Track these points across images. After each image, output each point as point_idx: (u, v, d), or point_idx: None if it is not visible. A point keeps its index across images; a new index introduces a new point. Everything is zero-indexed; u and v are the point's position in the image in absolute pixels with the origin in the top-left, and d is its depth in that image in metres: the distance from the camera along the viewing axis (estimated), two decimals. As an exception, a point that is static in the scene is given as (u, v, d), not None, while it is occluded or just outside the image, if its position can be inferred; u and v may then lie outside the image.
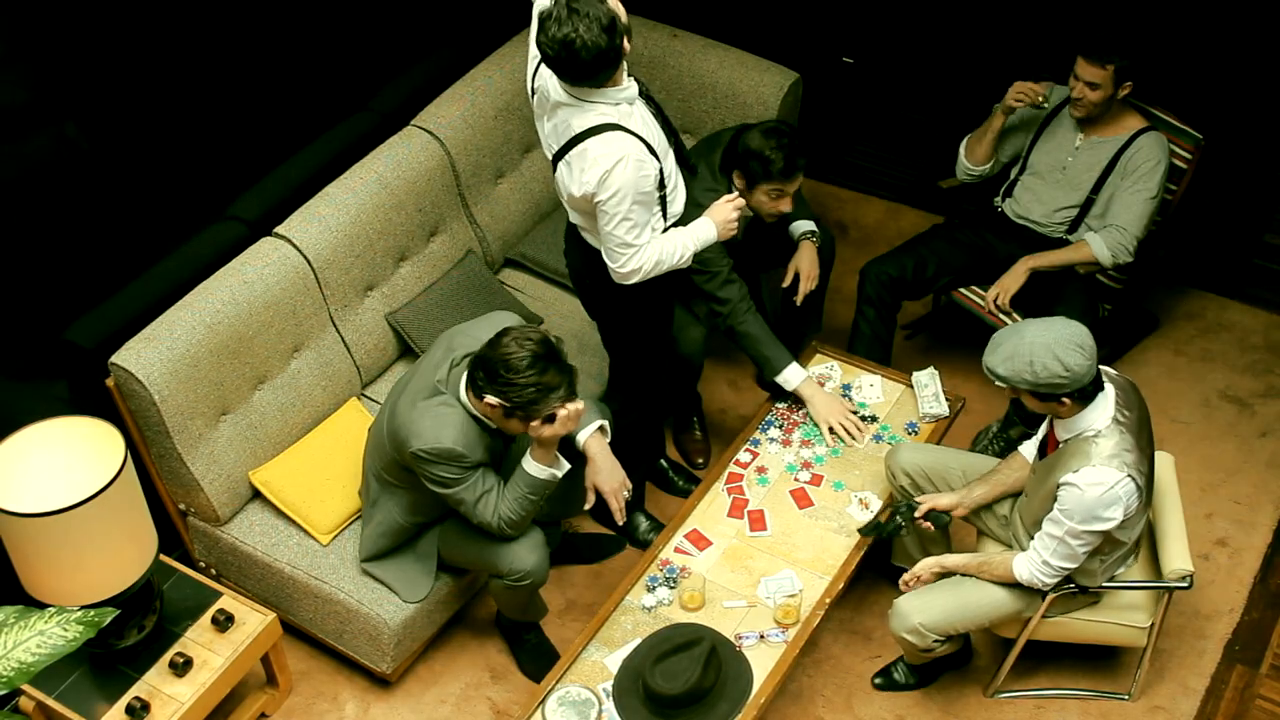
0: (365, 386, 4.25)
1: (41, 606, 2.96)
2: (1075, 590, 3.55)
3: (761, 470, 4.02)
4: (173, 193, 3.76)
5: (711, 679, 3.40)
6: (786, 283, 4.30)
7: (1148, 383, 4.24)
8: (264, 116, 3.96)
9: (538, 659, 3.94)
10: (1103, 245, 4.23)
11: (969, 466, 3.81)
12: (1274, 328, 4.93)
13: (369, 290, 4.21)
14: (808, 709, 3.90)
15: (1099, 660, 3.97)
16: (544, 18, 3.26)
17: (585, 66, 3.27)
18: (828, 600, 3.68)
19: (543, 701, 3.48)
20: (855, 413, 4.13)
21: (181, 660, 3.51)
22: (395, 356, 4.33)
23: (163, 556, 3.69)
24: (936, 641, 3.61)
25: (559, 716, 3.45)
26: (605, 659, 3.56)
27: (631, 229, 3.46)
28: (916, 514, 3.66)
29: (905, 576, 3.68)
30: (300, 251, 3.95)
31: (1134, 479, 3.29)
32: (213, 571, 4.01)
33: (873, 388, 4.26)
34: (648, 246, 3.52)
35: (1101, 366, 3.35)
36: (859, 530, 3.79)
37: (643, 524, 4.25)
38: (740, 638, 3.59)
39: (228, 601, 3.67)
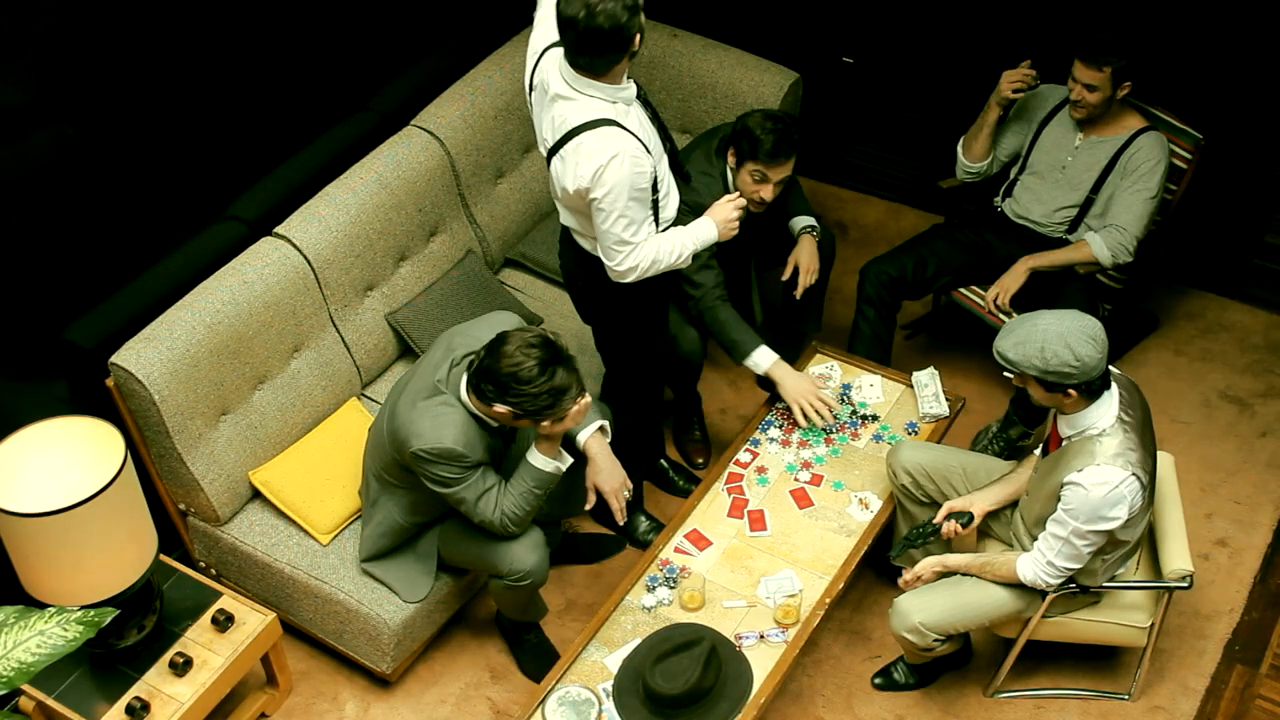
0: (365, 386, 4.25)
1: (41, 606, 2.96)
2: (1076, 590, 3.55)
3: (761, 470, 4.02)
4: (173, 193, 3.76)
5: (711, 679, 3.40)
6: (786, 276, 4.30)
7: (1148, 383, 4.24)
8: (264, 116, 3.96)
9: (538, 659, 3.94)
10: (1103, 245, 4.23)
11: (970, 465, 3.81)
12: (1274, 328, 4.93)
13: (369, 290, 4.21)
14: (808, 709, 3.90)
15: (1099, 660, 3.97)
16: None
17: (600, 39, 3.25)
18: (828, 600, 3.68)
19: (543, 701, 3.48)
20: (841, 402, 4.15)
21: (181, 660, 3.51)
22: (395, 356, 4.33)
23: (163, 556, 3.69)
24: (937, 641, 3.61)
25: (559, 716, 3.45)
26: (605, 659, 3.56)
27: (628, 226, 3.46)
28: (937, 518, 3.66)
29: (906, 576, 3.68)
30: (300, 251, 3.95)
31: (1138, 478, 3.29)
32: (213, 571, 4.01)
33: (873, 388, 4.26)
34: (644, 245, 3.52)
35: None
36: (891, 559, 3.77)
37: (643, 524, 4.26)
38: (740, 638, 3.59)
39: (228, 601, 3.67)
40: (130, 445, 3.48)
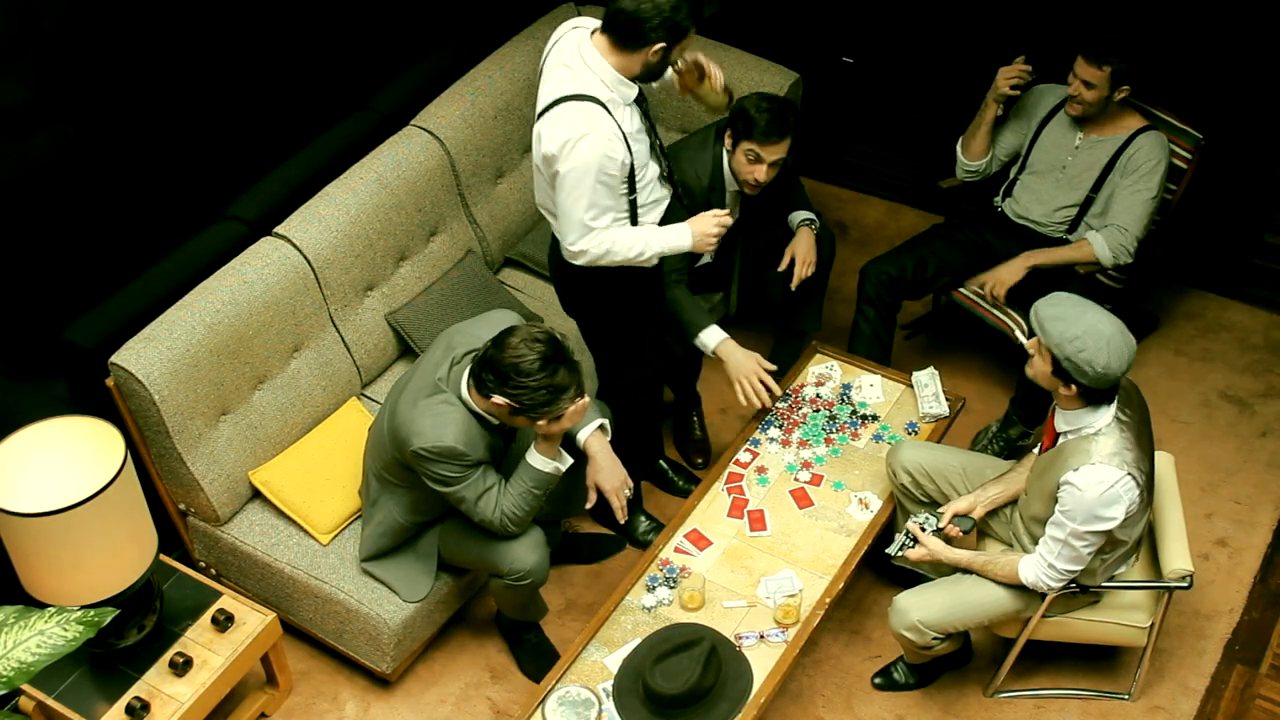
0: (365, 386, 4.25)
1: (41, 606, 2.96)
2: (1076, 589, 3.54)
3: (761, 470, 4.02)
4: (173, 193, 3.76)
5: (711, 679, 3.40)
6: (783, 267, 4.30)
7: (1148, 383, 4.24)
8: (264, 116, 3.96)
9: (538, 659, 3.94)
10: (1104, 245, 4.23)
11: (970, 465, 3.81)
12: (1274, 328, 4.94)
13: (369, 290, 4.21)
14: (808, 709, 3.90)
15: (1099, 660, 3.97)
16: None
17: (624, 20, 3.37)
18: (828, 600, 3.68)
19: (543, 701, 3.48)
20: (841, 402, 4.17)
21: (181, 660, 3.51)
22: (395, 356, 4.33)
23: (163, 556, 3.69)
24: (935, 639, 3.61)
25: (559, 716, 3.45)
26: (605, 659, 3.56)
27: (590, 209, 3.47)
28: (942, 523, 3.66)
29: (915, 551, 3.64)
30: (300, 251, 3.95)
31: (1134, 477, 3.29)
32: (213, 571, 4.01)
33: (873, 388, 4.26)
34: (603, 233, 3.52)
35: None
36: (888, 552, 3.77)
37: (643, 524, 4.26)
38: (740, 638, 3.59)
39: (228, 601, 3.67)
40: (130, 445, 3.48)
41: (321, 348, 4.06)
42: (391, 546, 3.77)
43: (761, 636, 3.60)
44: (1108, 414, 3.31)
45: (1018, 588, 3.54)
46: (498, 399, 3.31)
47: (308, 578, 3.82)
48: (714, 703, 3.41)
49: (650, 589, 3.71)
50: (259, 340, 3.84)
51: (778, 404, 4.20)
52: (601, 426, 3.71)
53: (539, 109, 3.53)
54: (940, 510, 3.69)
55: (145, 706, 3.44)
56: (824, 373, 4.30)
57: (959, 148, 4.48)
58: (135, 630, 3.49)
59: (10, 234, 3.36)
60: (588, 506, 3.77)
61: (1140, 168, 4.18)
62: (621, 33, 3.41)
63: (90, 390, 3.66)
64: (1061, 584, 3.46)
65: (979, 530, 3.82)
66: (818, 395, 4.24)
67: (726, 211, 3.74)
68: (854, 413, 4.18)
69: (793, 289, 4.31)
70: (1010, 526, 3.68)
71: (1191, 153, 4.34)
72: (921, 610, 3.58)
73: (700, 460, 4.56)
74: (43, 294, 3.51)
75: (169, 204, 3.76)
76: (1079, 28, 4.61)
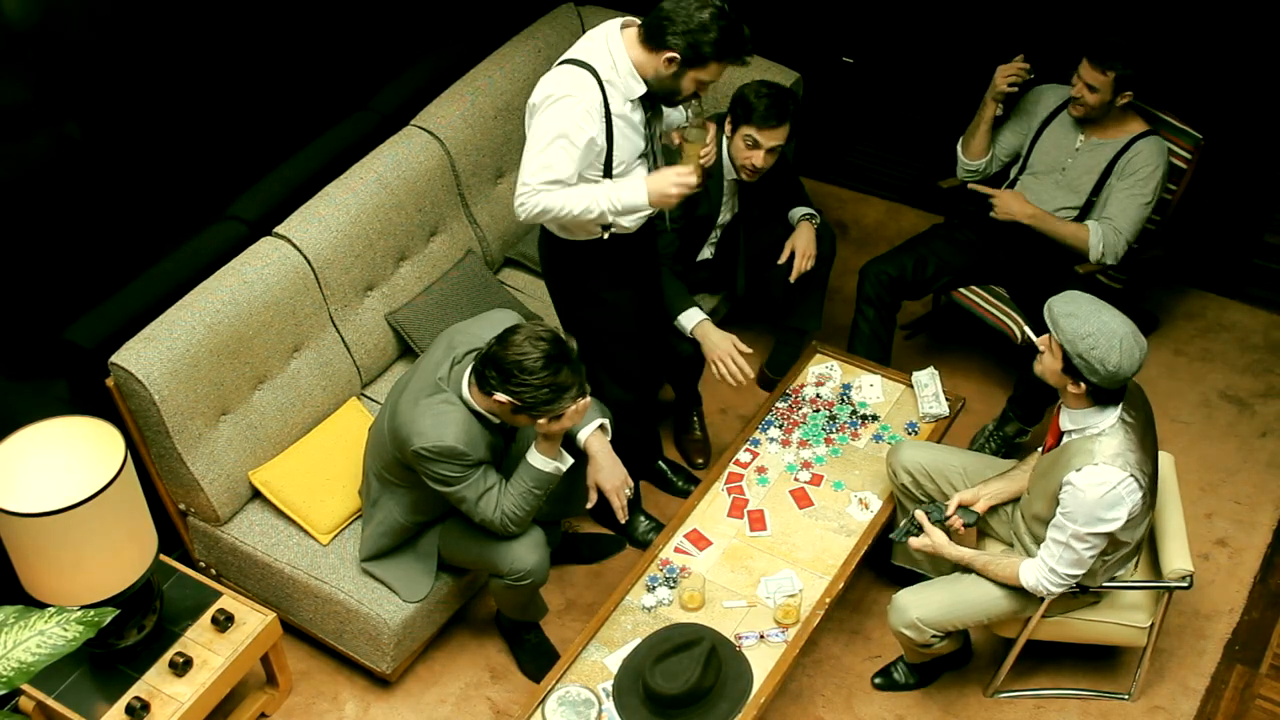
0: (365, 386, 4.25)
1: (41, 606, 2.96)
2: (1076, 590, 3.54)
3: (761, 470, 4.02)
4: (173, 193, 3.76)
5: (711, 679, 3.40)
6: (783, 260, 4.31)
7: (1148, 383, 4.23)
8: (264, 116, 3.96)
9: (538, 659, 3.94)
10: (1099, 239, 4.22)
11: (970, 465, 3.81)
12: (1274, 328, 4.94)
13: (369, 290, 4.21)
14: (808, 709, 3.90)
15: (1099, 660, 3.97)
16: None
17: (655, 17, 3.38)
18: (828, 600, 3.69)
19: (543, 701, 3.48)
20: (841, 402, 4.19)
21: (181, 660, 3.51)
22: (395, 356, 4.33)
23: (163, 556, 3.69)
24: (934, 637, 3.61)
25: (559, 716, 3.45)
26: (605, 659, 3.56)
27: (542, 169, 3.46)
28: (947, 513, 3.65)
29: (918, 541, 3.63)
30: (300, 251, 3.95)
31: (1137, 479, 3.28)
32: (213, 571, 4.01)
33: (873, 388, 4.26)
34: (543, 193, 3.49)
35: None
36: (892, 536, 3.76)
37: (642, 524, 4.26)
38: (740, 638, 3.59)
39: (228, 601, 3.67)
40: (130, 445, 3.48)
41: (321, 348, 4.06)
42: (391, 546, 3.77)
43: (761, 636, 3.60)
44: (1113, 415, 3.31)
45: (1013, 587, 3.54)
46: (500, 397, 3.32)
47: (308, 578, 3.82)
48: (714, 703, 3.41)
49: (650, 589, 3.71)
50: (259, 340, 3.84)
51: (777, 404, 4.20)
52: (602, 426, 3.71)
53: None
54: (945, 503, 3.69)
55: (145, 706, 3.44)
56: (824, 373, 4.31)
57: (959, 147, 4.48)
58: (135, 630, 3.49)
59: (10, 234, 3.36)
60: (588, 506, 3.77)
61: (1137, 172, 4.18)
62: (649, 28, 3.44)
63: (90, 390, 3.65)
64: (1062, 588, 3.46)
65: (979, 530, 3.82)
66: (818, 395, 4.24)
67: (690, 170, 3.60)
68: (854, 413, 4.18)
69: (791, 281, 4.32)
70: (1011, 525, 3.68)
71: (1191, 153, 4.34)
72: (920, 608, 3.58)
73: (700, 460, 4.56)
74: (43, 294, 3.51)
75: (169, 204, 3.76)
76: (1080, 28, 4.61)
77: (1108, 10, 4.61)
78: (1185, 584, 3.56)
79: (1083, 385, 3.25)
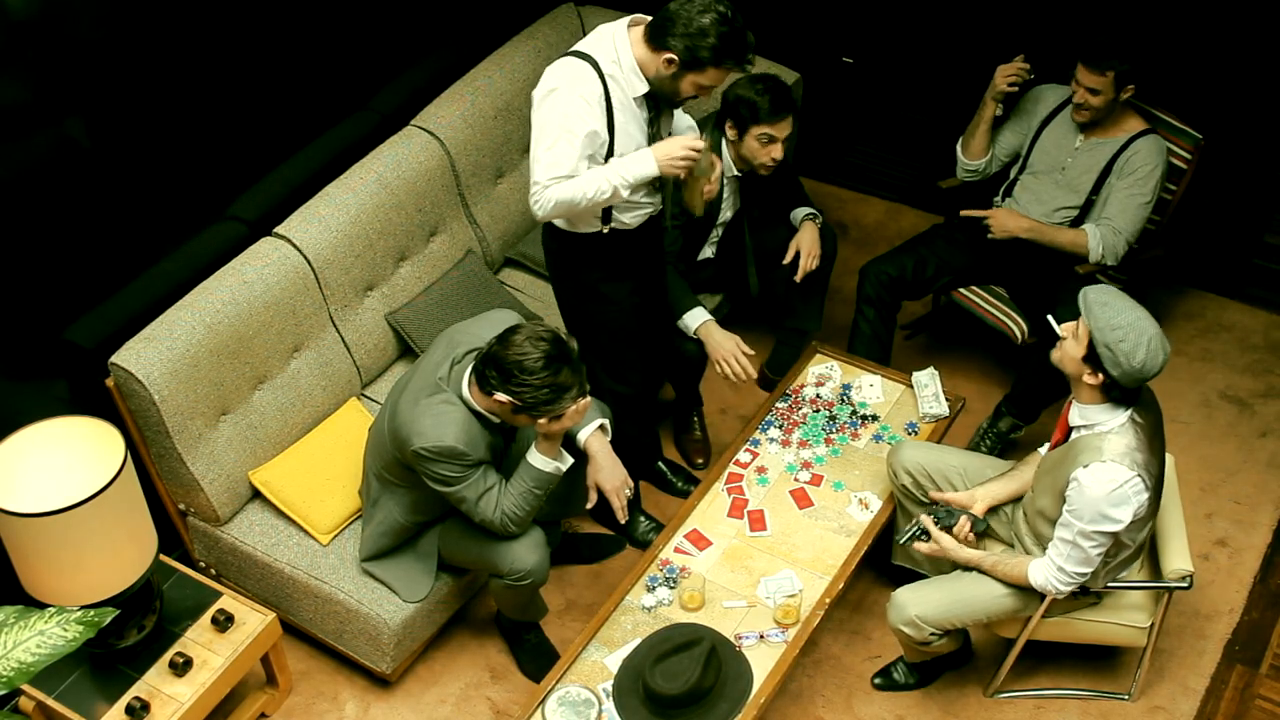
0: (365, 386, 4.25)
1: (41, 606, 2.96)
2: (1078, 590, 3.54)
3: (761, 470, 4.02)
4: (173, 193, 3.76)
5: (711, 679, 3.40)
6: (788, 259, 4.32)
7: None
8: (264, 116, 3.96)
9: (538, 659, 3.94)
10: (1098, 241, 4.22)
11: (970, 465, 3.81)
12: (1274, 328, 4.94)
13: (369, 290, 4.21)
14: (808, 709, 3.90)
15: (1099, 660, 3.97)
16: None
17: (661, 14, 3.37)
18: (828, 600, 3.68)
19: (543, 701, 3.48)
20: (841, 402, 4.19)
21: (181, 660, 3.51)
22: (395, 356, 4.33)
23: (163, 556, 3.69)
24: (933, 634, 3.61)
25: (559, 716, 3.45)
26: (605, 659, 3.56)
27: (551, 167, 3.46)
28: (954, 523, 3.65)
29: (924, 547, 3.63)
30: (300, 251, 3.95)
31: (1143, 479, 3.28)
32: (213, 571, 4.01)
33: (873, 388, 4.26)
34: (555, 187, 3.50)
35: None
36: (899, 540, 3.76)
37: (642, 524, 4.26)
38: (740, 638, 3.59)
39: (228, 601, 3.67)
40: (130, 445, 3.48)
41: (321, 348, 4.06)
42: (392, 546, 3.77)
43: (761, 636, 3.60)
44: (1124, 414, 3.31)
45: (1017, 587, 3.54)
46: (500, 396, 3.32)
47: (308, 578, 3.82)
48: (714, 703, 3.41)
49: (650, 589, 3.71)
50: (259, 340, 3.84)
51: (777, 404, 4.20)
52: (602, 426, 3.71)
53: None
54: (939, 503, 3.68)
55: (145, 706, 3.44)
56: (824, 373, 4.31)
57: (959, 147, 4.49)
58: (135, 630, 3.49)
59: (10, 234, 3.36)
60: (588, 506, 3.77)
61: (1136, 171, 4.18)
62: (653, 27, 3.44)
63: (90, 390, 3.65)
64: (1071, 587, 3.45)
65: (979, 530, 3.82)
66: (818, 395, 4.24)
67: (698, 136, 3.65)
68: (854, 413, 4.18)
69: (797, 281, 4.33)
70: (1011, 526, 3.68)
71: (1191, 153, 4.34)
72: (920, 605, 3.58)
73: (700, 460, 4.56)
74: (43, 294, 3.51)
75: (169, 204, 3.76)
76: (1079, 27, 4.61)
77: (1107, 9, 4.61)
78: (1185, 584, 3.56)
79: (1100, 376, 3.24)
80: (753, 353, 4.12)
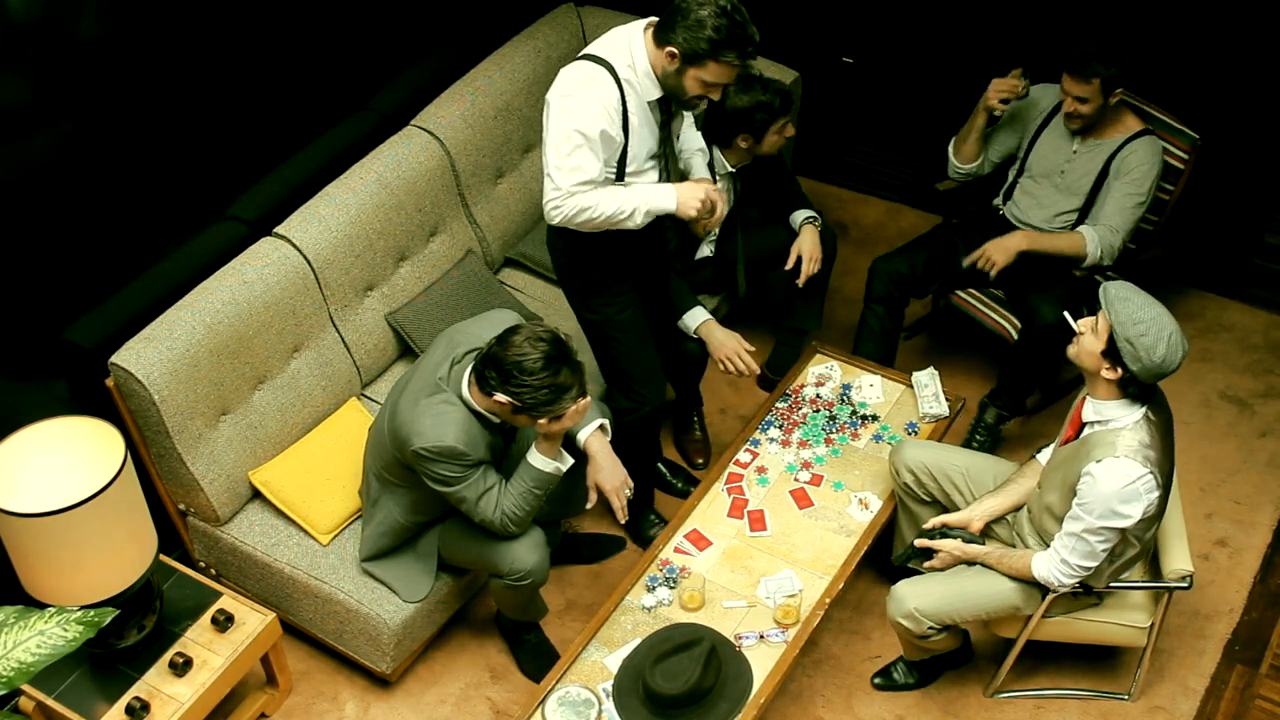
0: (365, 386, 4.25)
1: (41, 606, 2.96)
2: (1079, 590, 3.54)
3: (761, 470, 4.02)
4: (173, 193, 3.76)
5: (711, 679, 3.40)
6: (789, 265, 4.32)
7: (1148, 382, 4.24)
8: (264, 116, 3.96)
9: (538, 659, 3.94)
10: (1095, 242, 4.21)
11: (973, 464, 3.81)
12: (1274, 328, 4.94)
13: (369, 290, 4.21)
14: (808, 709, 3.90)
15: (1099, 660, 3.97)
16: None
17: (669, 10, 3.37)
18: (828, 600, 3.69)
19: (543, 701, 3.48)
20: (841, 402, 4.20)
21: (181, 660, 3.51)
22: (395, 356, 4.33)
23: (163, 556, 3.69)
24: (932, 629, 3.60)
25: (559, 716, 3.45)
26: (605, 659, 3.56)
27: (572, 171, 3.46)
28: (930, 524, 3.65)
29: (923, 542, 3.62)
30: (300, 251, 3.95)
31: (1155, 476, 3.28)
32: (213, 571, 4.01)
33: (873, 388, 4.26)
34: (579, 196, 3.51)
35: None
36: (895, 560, 3.75)
37: (651, 522, 4.25)
38: (740, 638, 3.59)
39: (228, 601, 3.67)
40: (130, 445, 3.48)
41: (321, 348, 4.06)
42: (391, 546, 3.77)
43: (761, 636, 3.60)
44: (1139, 411, 3.31)
45: (1018, 584, 3.53)
46: (500, 397, 3.32)
47: (308, 578, 3.82)
48: (714, 703, 3.41)
49: (650, 589, 3.71)
50: (259, 340, 3.84)
51: (777, 404, 4.21)
52: (602, 426, 3.71)
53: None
54: (936, 527, 3.67)
55: (145, 707, 3.44)
56: (824, 373, 4.31)
57: (950, 150, 4.47)
58: (135, 630, 3.49)
59: (10, 234, 3.36)
60: (588, 506, 3.77)
61: (1131, 171, 4.17)
62: (660, 22, 3.44)
63: (90, 390, 3.65)
64: (1074, 580, 3.45)
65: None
66: (818, 395, 4.24)
67: (719, 189, 3.71)
68: (854, 413, 4.18)
69: (800, 285, 4.33)
70: (1013, 527, 3.68)
71: (1188, 153, 4.34)
72: (919, 598, 3.58)
73: (700, 460, 4.56)
74: (43, 294, 3.51)
75: (169, 204, 3.76)
76: (1068, 37, 4.60)
77: (1106, 9, 4.61)
78: (1185, 584, 3.56)
79: (1119, 371, 3.24)
80: (753, 349, 4.13)
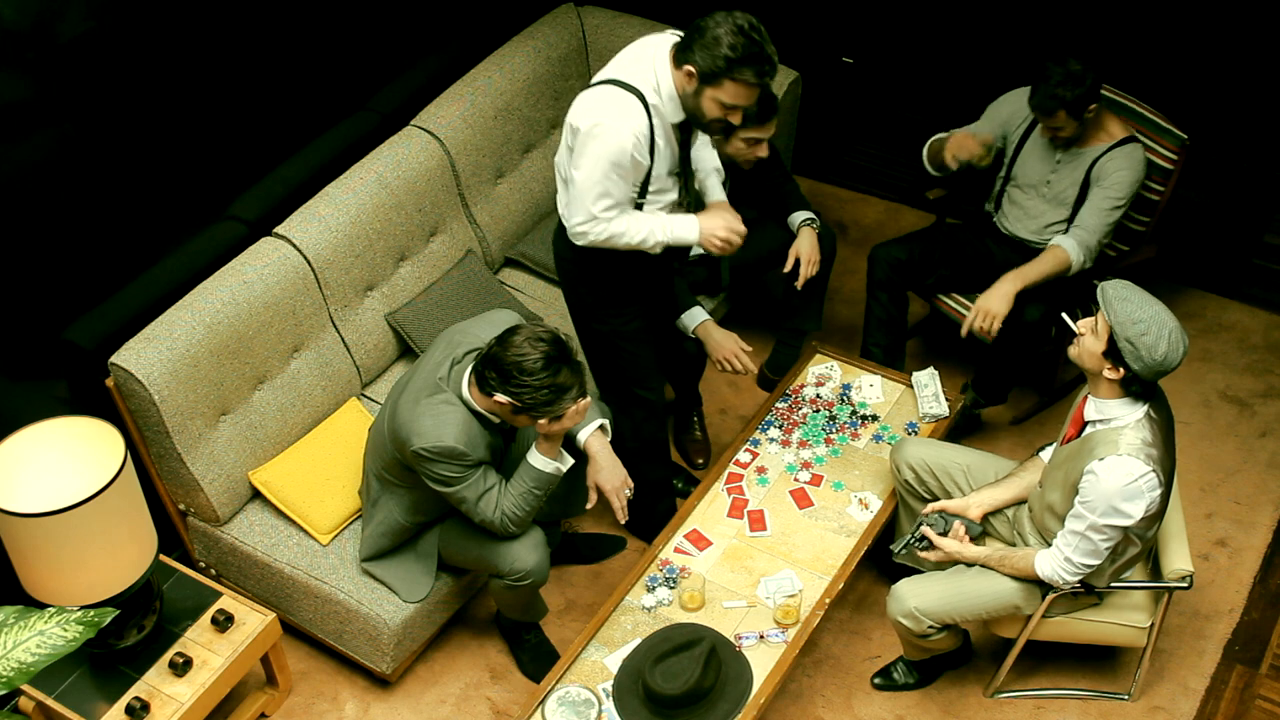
0: (365, 386, 4.25)
1: (41, 606, 2.96)
2: (1080, 590, 3.54)
3: (761, 470, 4.03)
4: (173, 193, 3.76)
5: (711, 679, 3.40)
6: (788, 268, 4.32)
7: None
8: (264, 116, 3.96)
9: (538, 659, 3.94)
10: (1076, 249, 4.18)
11: (974, 462, 3.81)
12: (1274, 328, 4.94)
13: (369, 290, 4.21)
14: (808, 709, 3.90)
15: (1099, 660, 3.97)
16: None
17: (690, 30, 3.35)
18: (827, 600, 3.69)
19: (543, 701, 3.48)
20: (841, 402, 4.20)
21: (181, 660, 3.51)
22: (395, 356, 4.33)
23: (163, 556, 3.69)
24: (931, 628, 3.60)
25: (559, 716, 3.45)
26: (605, 659, 3.56)
27: (601, 198, 3.47)
28: (949, 527, 3.65)
29: (928, 532, 3.60)
30: (300, 251, 3.95)
31: (1157, 475, 3.28)
32: (213, 571, 4.01)
33: (872, 388, 4.26)
34: (607, 222, 3.52)
35: None
36: (894, 554, 3.75)
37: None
38: (740, 638, 3.60)
39: (228, 601, 3.67)
40: (130, 445, 3.48)
41: (321, 348, 4.06)
42: (391, 547, 3.77)
43: (761, 636, 3.60)
44: (1141, 409, 3.31)
45: (1019, 584, 3.54)
46: (500, 397, 3.32)
47: (308, 578, 3.82)
48: (714, 703, 3.41)
49: (650, 589, 3.71)
50: (259, 340, 3.84)
51: (777, 404, 4.21)
52: (602, 426, 3.71)
53: (595, 80, 3.53)
54: (934, 513, 3.66)
55: (145, 707, 3.44)
56: (824, 373, 4.31)
57: (924, 154, 4.40)
58: (135, 630, 3.49)
59: (10, 234, 3.36)
60: (588, 507, 3.77)
61: (1109, 177, 4.16)
62: (680, 42, 3.41)
63: (90, 390, 3.66)
64: (1077, 577, 3.45)
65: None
66: (818, 395, 4.24)
67: (743, 231, 3.69)
68: (854, 413, 4.18)
69: (798, 288, 4.33)
70: (1014, 525, 3.68)
71: (1177, 153, 4.32)
72: (919, 597, 3.58)
73: (700, 460, 4.57)
74: (43, 294, 3.51)
75: (169, 204, 3.76)
76: (1078, 26, 4.61)
77: (1104, 9, 4.61)
78: (1185, 584, 3.56)
79: (1121, 370, 3.24)
80: (751, 349, 4.14)
